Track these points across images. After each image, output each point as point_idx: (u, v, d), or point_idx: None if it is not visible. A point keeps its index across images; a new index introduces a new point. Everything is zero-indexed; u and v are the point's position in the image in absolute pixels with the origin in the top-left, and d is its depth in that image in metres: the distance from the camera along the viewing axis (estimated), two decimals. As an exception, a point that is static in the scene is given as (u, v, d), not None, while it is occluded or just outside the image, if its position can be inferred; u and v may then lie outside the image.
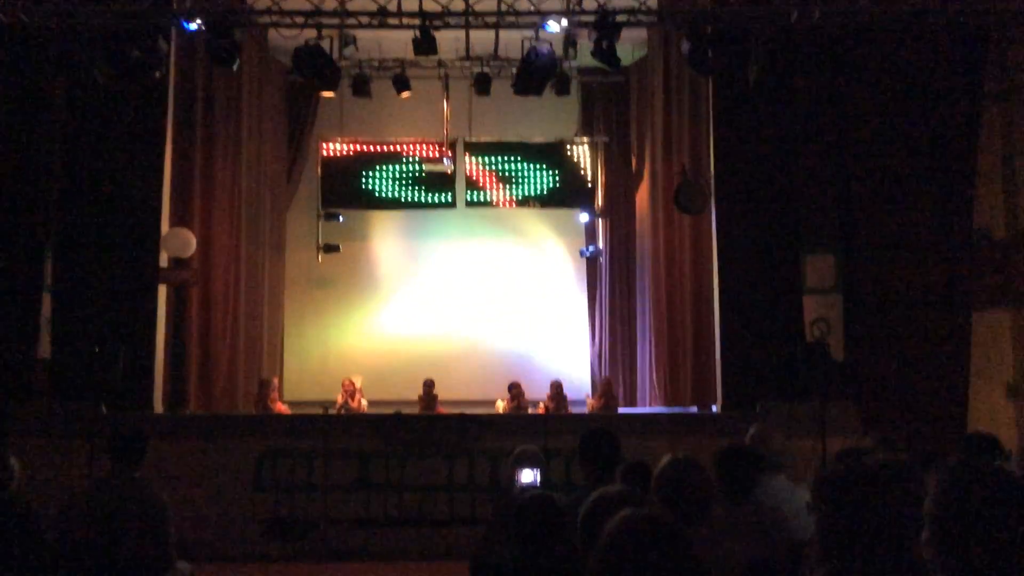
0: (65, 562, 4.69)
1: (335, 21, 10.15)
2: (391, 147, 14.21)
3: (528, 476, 4.58)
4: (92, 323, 9.95)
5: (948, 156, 9.56)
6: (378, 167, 14.21)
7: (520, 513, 3.38)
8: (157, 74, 9.91)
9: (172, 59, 10.54)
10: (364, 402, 11.90)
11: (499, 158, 14.22)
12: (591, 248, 14.51)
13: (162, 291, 10.62)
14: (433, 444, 9.30)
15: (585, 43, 10.44)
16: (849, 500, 2.38)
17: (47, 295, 9.79)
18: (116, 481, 4.84)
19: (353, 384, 11.88)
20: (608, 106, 14.44)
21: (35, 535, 4.45)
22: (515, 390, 12.00)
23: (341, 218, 14.35)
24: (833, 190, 10.16)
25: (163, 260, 10.63)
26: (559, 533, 3.34)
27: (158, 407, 10.26)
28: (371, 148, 14.21)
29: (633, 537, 1.72)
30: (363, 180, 14.21)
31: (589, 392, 13.72)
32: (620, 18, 9.64)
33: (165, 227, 10.69)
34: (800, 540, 3.56)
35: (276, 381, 11.99)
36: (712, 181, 10.99)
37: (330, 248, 14.35)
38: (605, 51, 9.53)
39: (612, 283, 14.29)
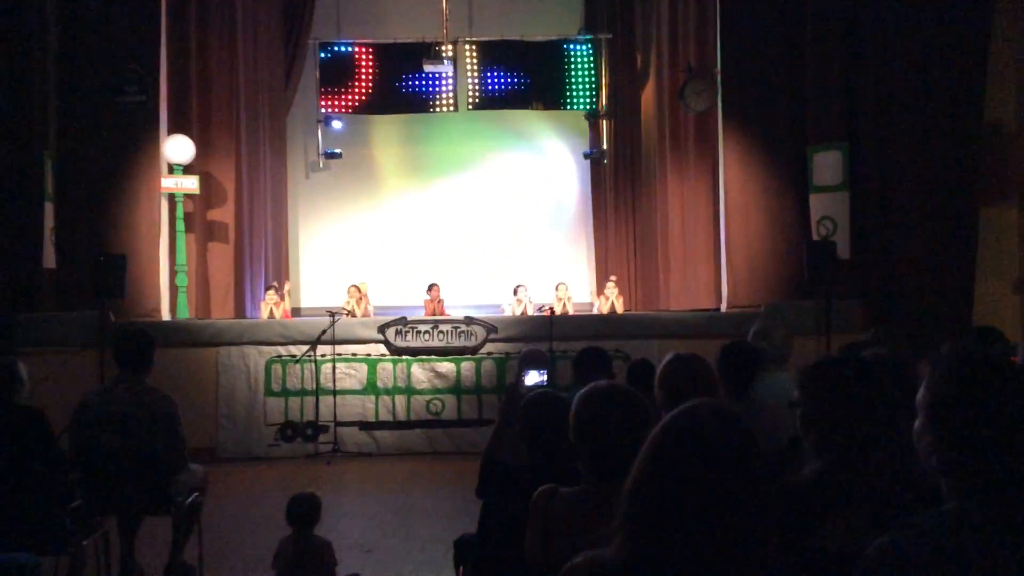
0: (79, 466, 4.77)
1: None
2: (390, 48, 13.88)
3: (534, 378, 4.61)
4: (96, 232, 9.97)
5: (958, 48, 9.32)
6: (377, 69, 13.90)
7: (526, 410, 3.40)
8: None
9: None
10: (370, 307, 11.97)
11: (500, 57, 13.89)
12: (595, 149, 14.35)
13: (164, 199, 10.58)
14: (439, 347, 9.38)
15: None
16: (830, 390, 2.39)
17: (49, 205, 9.76)
18: (124, 386, 4.88)
19: (359, 289, 11.92)
20: (612, 2, 14.08)
21: (46, 441, 4.53)
22: (520, 292, 12.03)
23: (340, 123, 14.19)
24: (840, 84, 9.97)
25: (163, 167, 10.57)
26: (565, 429, 3.36)
27: (164, 314, 10.33)
28: (370, 49, 13.90)
29: (701, 428, 1.65)
30: (362, 83, 13.94)
31: (593, 294, 13.76)
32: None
33: (164, 133, 10.59)
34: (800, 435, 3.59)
35: (282, 287, 12.02)
36: (718, 78, 10.79)
37: (332, 154, 14.24)
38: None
39: (616, 184, 14.16)
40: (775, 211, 10.35)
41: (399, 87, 13.85)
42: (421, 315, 11.21)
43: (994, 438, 1.60)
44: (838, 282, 9.20)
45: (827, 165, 10.00)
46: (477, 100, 13.85)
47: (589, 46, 14.02)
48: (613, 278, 12.54)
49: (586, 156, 14.41)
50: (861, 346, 4.29)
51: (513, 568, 2.76)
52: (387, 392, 9.33)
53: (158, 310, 10.18)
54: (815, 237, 9.83)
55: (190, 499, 5.07)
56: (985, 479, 1.60)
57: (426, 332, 9.41)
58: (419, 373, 9.36)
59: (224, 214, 11.57)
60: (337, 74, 13.90)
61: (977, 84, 9.30)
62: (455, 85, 13.72)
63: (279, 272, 13.09)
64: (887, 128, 9.72)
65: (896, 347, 4.31)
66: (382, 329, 9.40)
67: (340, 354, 9.27)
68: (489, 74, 13.83)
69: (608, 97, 14.09)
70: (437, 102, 13.82)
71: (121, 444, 4.76)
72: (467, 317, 9.56)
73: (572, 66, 13.96)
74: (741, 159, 10.48)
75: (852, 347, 4.31)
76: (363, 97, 13.95)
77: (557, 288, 12.12)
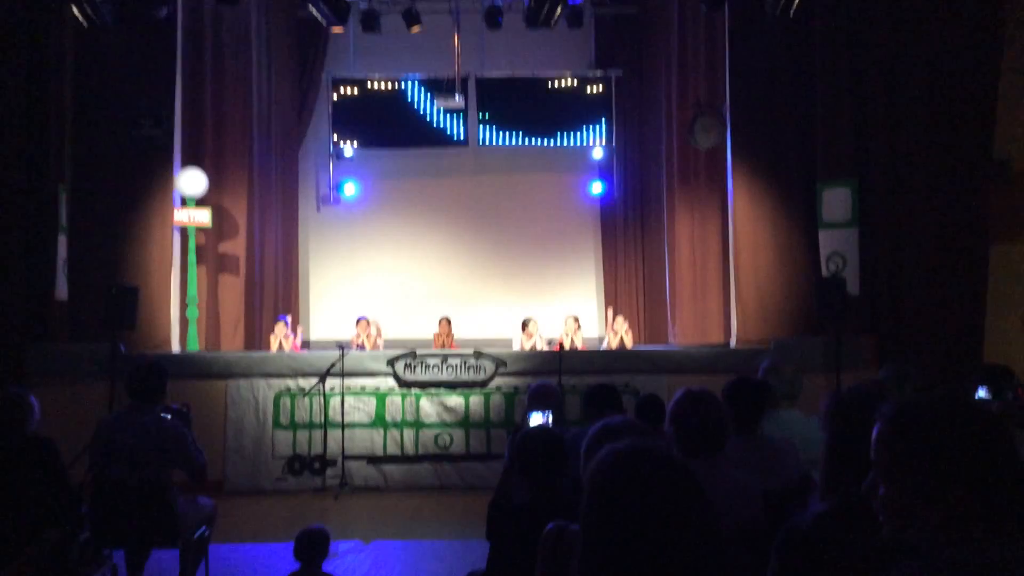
0: (90, 495, 4.78)
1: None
2: (402, 84, 14.04)
3: (538, 420, 4.58)
4: (108, 264, 10.02)
5: (967, 86, 9.36)
6: (389, 104, 14.06)
7: (521, 447, 3.44)
8: (164, 11, 9.85)
9: (179, -4, 10.46)
10: (380, 340, 11.98)
11: (511, 93, 14.04)
12: (604, 184, 14.41)
13: (176, 231, 10.66)
14: (448, 381, 9.37)
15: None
16: (854, 421, 2.35)
17: (63, 236, 9.83)
18: (135, 416, 4.90)
19: (369, 323, 11.94)
20: (622, 39, 14.22)
21: (56, 473, 4.53)
22: (530, 326, 12.03)
23: (353, 156, 14.30)
24: (849, 121, 10.01)
25: (176, 200, 10.66)
26: (561, 466, 3.43)
27: (174, 346, 10.36)
28: (382, 85, 14.06)
29: (624, 470, 1.65)
30: (374, 118, 14.08)
31: (603, 328, 13.75)
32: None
33: (177, 166, 10.68)
34: (810, 472, 3.57)
35: (292, 319, 12.05)
36: (727, 114, 10.85)
37: (343, 187, 14.33)
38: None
39: (626, 219, 14.22)
40: (784, 247, 10.35)
41: (411, 122, 13.98)
42: (431, 348, 11.23)
43: (943, 483, 1.56)
44: (848, 318, 9.18)
45: (836, 201, 10.01)
46: (488, 136, 13.97)
47: (599, 82, 14.13)
48: (620, 318, 12.55)
49: (595, 191, 14.48)
50: (879, 385, 4.26)
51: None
52: (395, 426, 9.31)
53: (168, 342, 10.22)
54: (824, 273, 9.82)
55: (198, 532, 5.07)
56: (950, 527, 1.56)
57: (435, 366, 9.40)
58: (428, 407, 9.34)
59: (235, 247, 11.63)
60: (349, 109, 14.05)
61: (986, 121, 9.32)
62: (466, 121, 13.85)
63: (289, 305, 13.14)
64: (896, 164, 9.74)
65: (905, 388, 4.28)
66: (391, 362, 9.40)
67: (349, 387, 9.27)
68: (500, 110, 13.96)
69: (618, 133, 14.18)
70: (449, 138, 13.95)
71: (129, 475, 4.77)
72: (476, 351, 9.55)
73: (583, 102, 14.08)
74: (750, 195, 10.50)
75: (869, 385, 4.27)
76: (375, 132, 14.08)
77: (567, 322, 12.12)
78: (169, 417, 4.99)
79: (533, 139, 14.13)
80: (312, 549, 4.21)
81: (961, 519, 1.55)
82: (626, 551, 1.57)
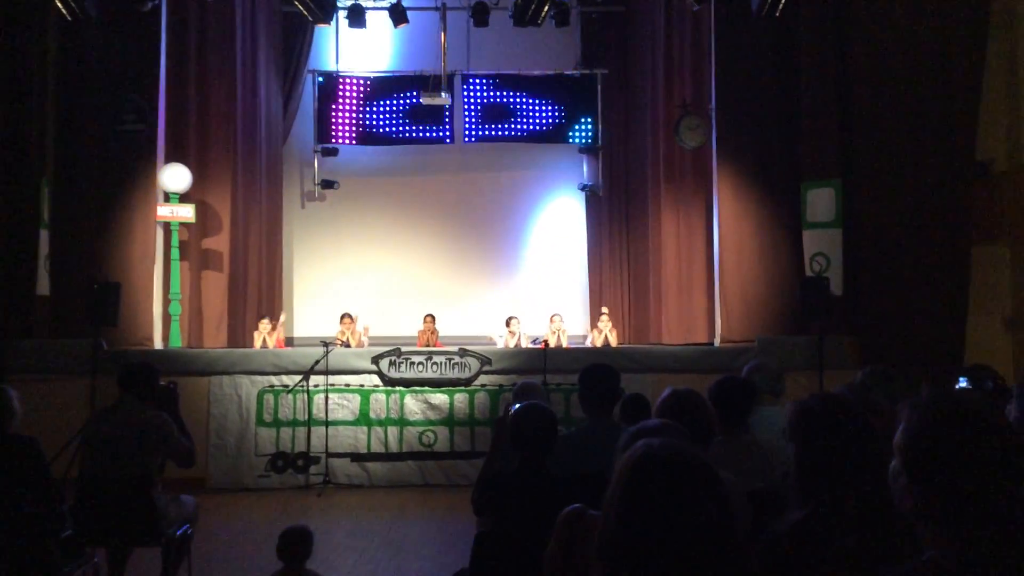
0: (75, 492, 4.76)
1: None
2: (388, 80, 14.00)
3: None
4: (90, 260, 9.97)
5: (951, 88, 9.41)
6: (375, 101, 14.01)
7: (515, 420, 3.60)
8: (148, 6, 9.80)
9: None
10: (364, 338, 11.94)
11: (497, 91, 14.02)
12: (590, 182, 14.42)
13: (159, 227, 10.60)
14: (433, 379, 9.35)
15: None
16: (820, 431, 2.39)
17: (45, 231, 9.76)
18: (123, 409, 4.87)
19: (353, 320, 11.90)
20: (609, 38, 14.22)
21: (39, 471, 4.49)
22: (513, 324, 12.03)
23: (338, 153, 14.25)
24: (834, 122, 10.06)
25: (159, 195, 10.59)
26: (551, 439, 3.61)
27: (157, 343, 10.30)
28: (368, 81, 14.01)
29: (657, 469, 1.68)
30: (359, 114, 14.03)
31: (587, 326, 13.76)
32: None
33: (160, 162, 10.62)
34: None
35: (277, 316, 11.99)
36: (713, 114, 10.88)
37: (328, 184, 14.28)
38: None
39: (611, 217, 14.23)
40: (769, 246, 10.40)
41: (396, 119, 13.93)
42: (415, 346, 11.20)
43: (967, 484, 1.59)
44: (831, 318, 9.23)
45: (820, 201, 10.07)
46: (474, 133, 13.95)
47: (586, 81, 14.13)
48: (605, 310, 12.56)
49: (582, 189, 14.48)
50: (859, 387, 4.26)
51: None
52: (380, 423, 9.29)
53: (150, 338, 10.16)
54: (808, 273, 9.87)
55: (180, 531, 5.04)
56: (959, 525, 1.59)
57: (420, 363, 9.39)
58: (412, 404, 9.33)
59: (219, 243, 11.57)
60: (334, 105, 13.99)
61: (969, 122, 9.38)
62: (452, 118, 13.82)
63: (272, 301, 13.07)
64: (880, 165, 9.79)
65: (891, 388, 4.29)
66: (376, 360, 9.38)
67: (333, 384, 9.24)
68: (486, 107, 13.94)
69: (604, 131, 14.18)
70: (434, 134, 13.91)
71: (111, 469, 4.74)
72: (461, 349, 9.54)
73: (569, 100, 14.08)
74: (735, 195, 10.54)
75: (858, 388, 4.26)
76: (360, 128, 14.03)
77: (552, 320, 12.12)
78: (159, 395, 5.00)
79: (519, 136, 14.10)
80: (295, 547, 4.19)
81: (967, 517, 1.59)
82: (646, 541, 1.61)
